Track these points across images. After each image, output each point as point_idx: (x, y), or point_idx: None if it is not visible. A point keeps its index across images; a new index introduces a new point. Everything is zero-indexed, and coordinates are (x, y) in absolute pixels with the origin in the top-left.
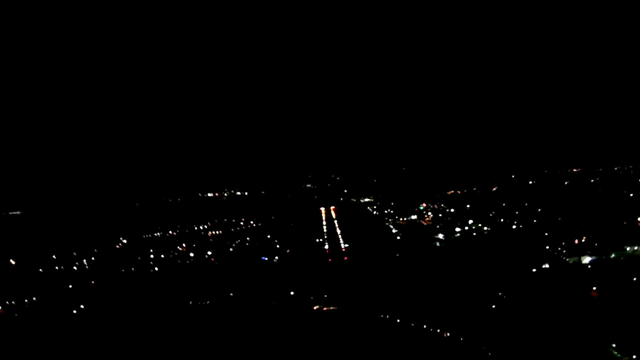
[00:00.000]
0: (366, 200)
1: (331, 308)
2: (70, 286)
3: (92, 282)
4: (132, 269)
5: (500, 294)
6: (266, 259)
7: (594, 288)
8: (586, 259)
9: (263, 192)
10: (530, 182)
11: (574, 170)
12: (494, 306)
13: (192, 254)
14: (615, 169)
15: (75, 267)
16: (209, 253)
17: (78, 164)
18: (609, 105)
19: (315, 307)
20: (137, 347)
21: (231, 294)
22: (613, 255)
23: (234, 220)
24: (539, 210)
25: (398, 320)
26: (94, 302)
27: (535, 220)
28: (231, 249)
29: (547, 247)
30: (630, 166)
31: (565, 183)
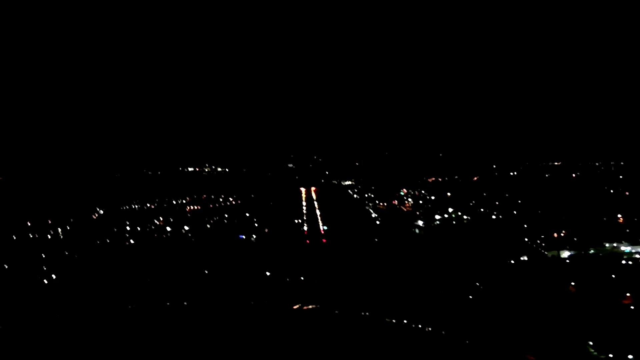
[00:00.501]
0: (347, 182)
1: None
2: (43, 255)
3: (65, 252)
4: (107, 240)
5: (477, 284)
6: (244, 237)
7: (572, 283)
8: (565, 254)
9: (244, 170)
10: (512, 174)
11: (555, 163)
12: (470, 297)
13: (168, 228)
14: (597, 164)
15: (49, 236)
16: (186, 228)
17: (62, 133)
18: (592, 100)
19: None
20: (104, 321)
21: (206, 272)
22: (592, 251)
23: (213, 196)
24: (519, 202)
25: (375, 315)
26: (65, 272)
27: (515, 212)
28: (208, 225)
29: (526, 240)
30: (612, 162)
31: (546, 176)
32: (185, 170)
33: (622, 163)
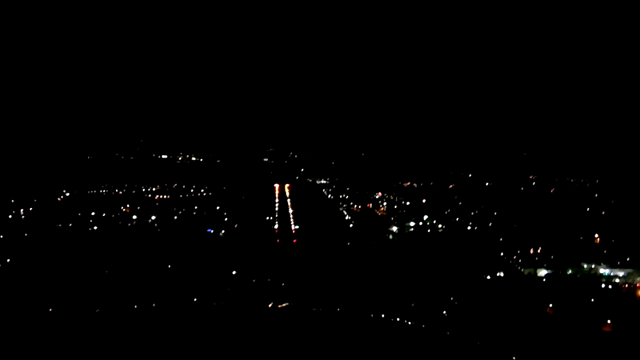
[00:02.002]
0: (322, 182)
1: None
2: (1, 236)
3: (25, 233)
4: (70, 224)
5: (452, 299)
6: (212, 231)
7: (550, 305)
8: (542, 272)
9: (218, 161)
10: (487, 184)
11: (531, 177)
12: (444, 312)
13: (134, 217)
14: (572, 180)
15: (10, 216)
16: (153, 218)
17: (34, 114)
18: (573, 116)
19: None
20: (58, 305)
21: (169, 266)
22: (570, 272)
23: (184, 186)
24: (495, 213)
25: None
26: (22, 254)
27: (490, 224)
28: (176, 217)
29: (502, 254)
30: (586, 180)
31: (522, 189)
32: (159, 157)
33: (597, 181)
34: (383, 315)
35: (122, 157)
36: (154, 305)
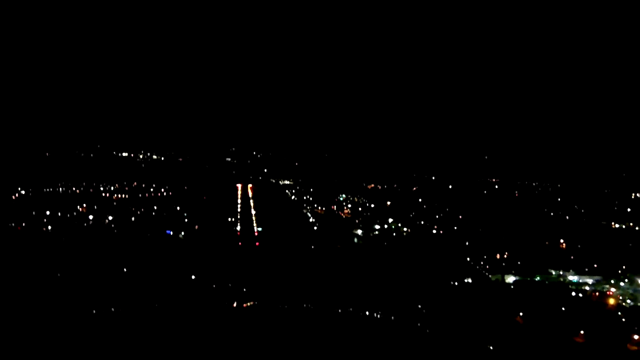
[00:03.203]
0: (285, 182)
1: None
2: None
3: None
4: (23, 223)
5: (419, 307)
6: (171, 233)
7: (520, 314)
8: (510, 278)
9: (180, 159)
10: (450, 187)
11: (493, 180)
12: (416, 322)
13: (90, 217)
14: (534, 184)
15: None
16: (110, 218)
17: None
18: (534, 118)
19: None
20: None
21: (125, 270)
22: (538, 278)
23: (143, 185)
24: (459, 217)
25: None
26: None
27: (455, 227)
28: (134, 218)
29: (468, 259)
30: (548, 183)
31: (484, 192)
32: (119, 155)
33: (558, 185)
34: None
35: (81, 154)
36: (112, 309)
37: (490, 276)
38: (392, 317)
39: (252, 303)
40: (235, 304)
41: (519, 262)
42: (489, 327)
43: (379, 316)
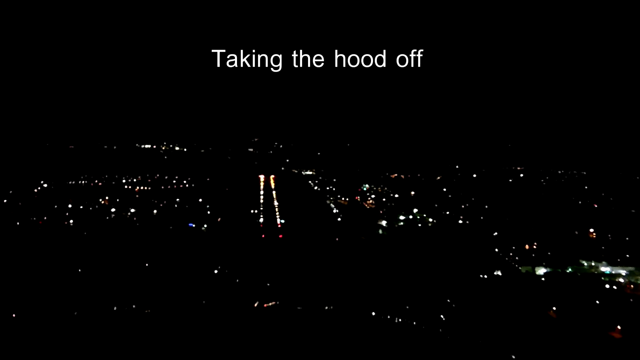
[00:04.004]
0: (308, 173)
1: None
2: None
3: None
4: (45, 217)
5: (448, 301)
6: (193, 225)
7: (554, 308)
8: (540, 270)
9: (202, 151)
10: (474, 175)
11: (518, 168)
12: (442, 317)
13: (113, 210)
14: (560, 172)
15: None
16: (132, 211)
17: (13, 103)
18: (561, 105)
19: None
20: (32, 304)
21: (147, 265)
22: (569, 270)
23: (166, 177)
24: (485, 206)
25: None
26: None
27: (481, 217)
28: (156, 210)
29: (497, 250)
30: (575, 171)
31: (510, 181)
32: (141, 147)
33: (584, 173)
34: (374, 314)
35: (104, 146)
36: (133, 305)
37: (520, 268)
38: (415, 323)
39: (273, 303)
40: (256, 305)
41: (548, 253)
42: (521, 323)
43: (400, 320)
